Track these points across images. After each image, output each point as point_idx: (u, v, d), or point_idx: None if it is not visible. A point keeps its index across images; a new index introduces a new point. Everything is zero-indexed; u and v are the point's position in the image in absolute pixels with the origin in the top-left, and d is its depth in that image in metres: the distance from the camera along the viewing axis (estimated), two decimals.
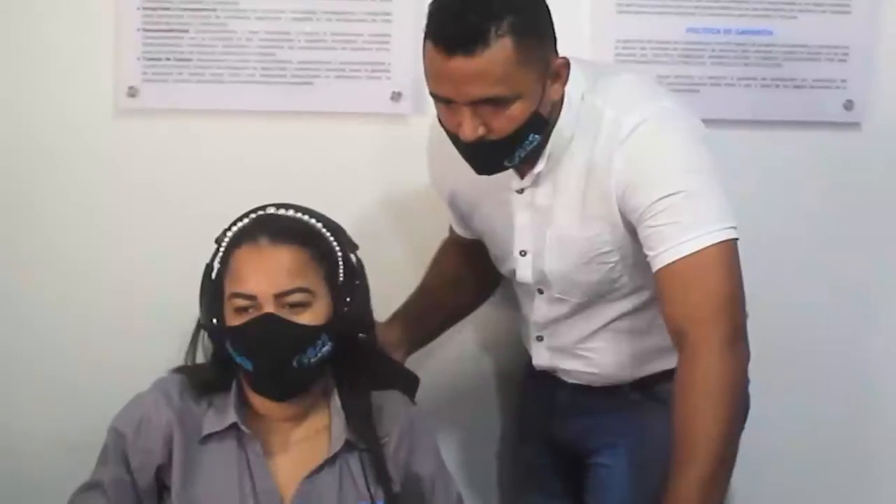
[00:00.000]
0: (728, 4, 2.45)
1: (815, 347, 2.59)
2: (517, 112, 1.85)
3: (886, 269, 2.60)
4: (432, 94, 1.88)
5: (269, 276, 1.82)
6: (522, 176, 2.01)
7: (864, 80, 2.51)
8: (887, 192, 2.57)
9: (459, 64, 1.79)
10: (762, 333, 1.99)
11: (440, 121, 1.92)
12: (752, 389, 2.01)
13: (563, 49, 1.94)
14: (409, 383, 2.11)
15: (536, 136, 1.91)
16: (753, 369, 1.92)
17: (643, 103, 1.93)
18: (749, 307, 1.90)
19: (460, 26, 1.79)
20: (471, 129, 1.84)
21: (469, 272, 2.32)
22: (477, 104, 1.83)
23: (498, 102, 1.83)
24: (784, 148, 2.53)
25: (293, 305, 1.82)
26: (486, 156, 1.91)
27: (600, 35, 2.43)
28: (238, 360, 1.85)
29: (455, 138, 1.89)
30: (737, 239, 1.88)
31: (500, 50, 1.79)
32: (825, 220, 2.56)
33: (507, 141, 1.88)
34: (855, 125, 2.53)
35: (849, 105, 2.51)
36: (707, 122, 2.23)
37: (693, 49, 2.46)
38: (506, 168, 1.95)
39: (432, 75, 1.85)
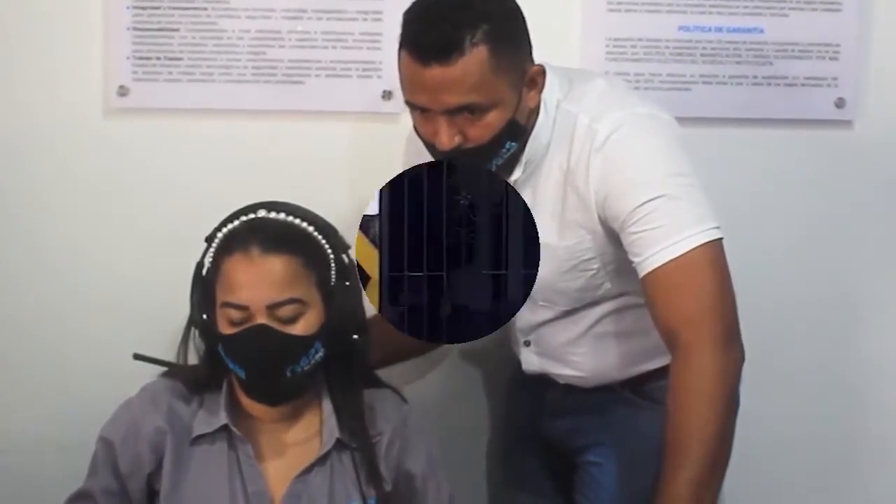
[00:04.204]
0: (719, 3, 2.45)
1: (804, 346, 2.59)
2: (494, 120, 1.85)
3: (877, 267, 2.60)
4: (408, 103, 1.88)
5: (261, 286, 1.80)
6: None
7: (856, 77, 2.51)
8: (879, 189, 2.57)
9: (435, 72, 1.79)
10: (751, 332, 1.98)
11: (416, 130, 1.91)
12: (741, 388, 2.00)
13: (554, 48, 1.93)
14: None
15: (513, 143, 1.91)
16: (744, 368, 1.91)
17: (616, 110, 1.92)
18: (738, 305, 1.89)
19: (436, 35, 1.79)
20: (447, 138, 1.85)
21: None
22: (453, 113, 1.83)
23: (474, 110, 1.83)
24: (775, 146, 2.52)
25: (286, 317, 1.81)
26: (463, 164, 1.91)
27: (591, 33, 2.42)
28: (231, 366, 1.84)
29: (431, 147, 1.89)
30: (721, 238, 1.87)
31: (475, 58, 1.79)
32: (816, 219, 2.56)
33: (484, 149, 1.87)
34: (846, 123, 2.53)
35: (840, 103, 2.51)
36: (699, 120, 2.23)
37: (684, 47, 2.46)
38: None
39: (408, 84, 1.85)
